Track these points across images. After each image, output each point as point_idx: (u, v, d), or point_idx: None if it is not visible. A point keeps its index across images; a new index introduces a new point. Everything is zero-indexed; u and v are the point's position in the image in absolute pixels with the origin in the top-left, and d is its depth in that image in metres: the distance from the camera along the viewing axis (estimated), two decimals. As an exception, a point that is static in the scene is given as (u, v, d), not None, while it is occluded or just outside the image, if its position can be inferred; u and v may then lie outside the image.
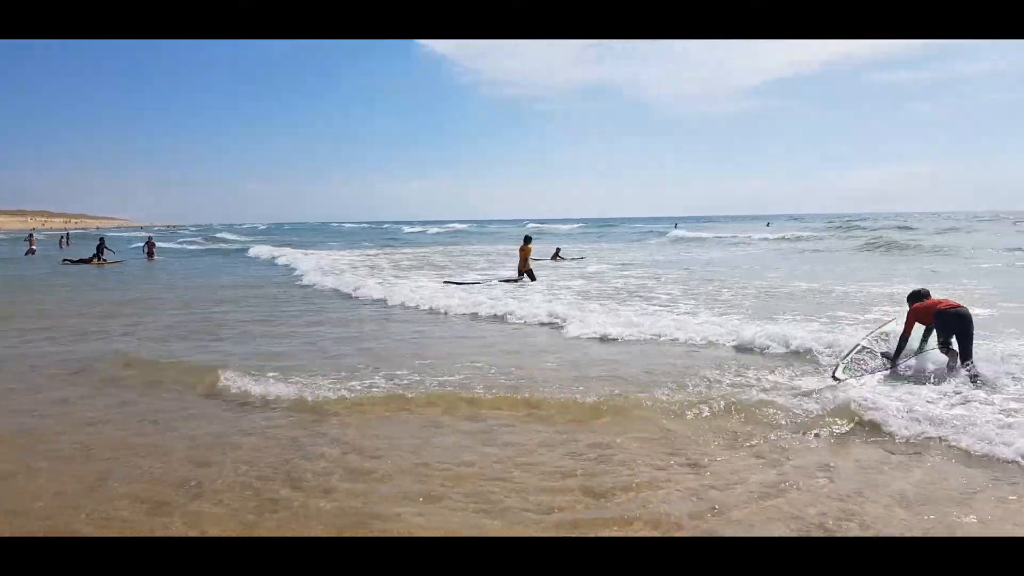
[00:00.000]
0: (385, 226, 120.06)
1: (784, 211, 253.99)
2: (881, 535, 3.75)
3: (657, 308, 12.20)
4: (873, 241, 33.36)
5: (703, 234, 49.47)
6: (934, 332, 7.05)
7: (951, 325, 6.88)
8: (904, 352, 7.11)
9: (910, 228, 48.09)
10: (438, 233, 73.75)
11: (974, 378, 6.39)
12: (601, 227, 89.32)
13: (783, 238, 41.73)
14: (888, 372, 6.99)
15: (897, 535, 3.74)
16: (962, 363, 6.63)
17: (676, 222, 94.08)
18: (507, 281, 17.49)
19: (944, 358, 6.93)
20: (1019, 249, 25.34)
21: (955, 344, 6.84)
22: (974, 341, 6.78)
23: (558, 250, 26.74)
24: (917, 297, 7.38)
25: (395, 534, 3.84)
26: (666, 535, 3.83)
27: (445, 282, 17.82)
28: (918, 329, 7.17)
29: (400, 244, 48.13)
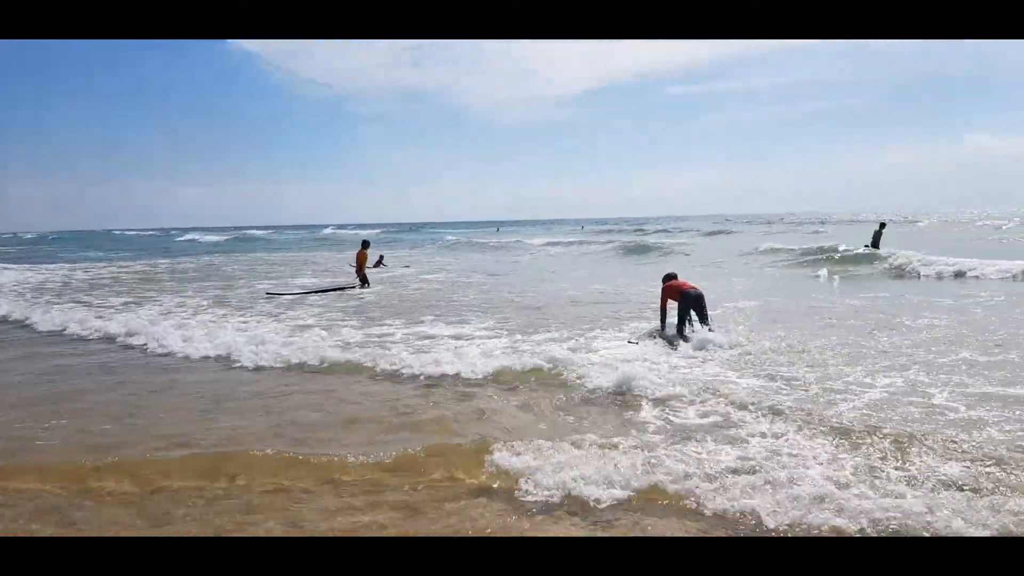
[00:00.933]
0: (172, 232, 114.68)
1: (600, 215, 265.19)
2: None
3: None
4: (626, 244, 36.53)
5: (495, 239, 50.28)
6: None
7: (690, 301, 9.36)
8: (668, 322, 9.57)
9: (683, 231, 54.08)
10: (221, 241, 65.43)
11: (709, 332, 8.95)
12: (399, 232, 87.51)
13: (569, 242, 43.11)
14: (663, 338, 9.22)
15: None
16: (703, 324, 9.19)
17: (498, 226, 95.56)
18: (341, 289, 17.32)
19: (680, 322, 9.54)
20: (751, 252, 27.57)
21: (694, 315, 9.38)
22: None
23: (381, 257, 26.25)
24: (669, 278, 9.94)
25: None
26: (666, 535, 3.89)
27: (268, 294, 16.68)
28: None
29: (159, 255, 41.52)
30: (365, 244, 18.48)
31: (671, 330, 9.41)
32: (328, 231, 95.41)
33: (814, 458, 4.77)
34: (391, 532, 4.07)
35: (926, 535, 3.75)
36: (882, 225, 24.60)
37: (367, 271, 18.39)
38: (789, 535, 3.84)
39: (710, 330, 9.01)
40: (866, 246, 23.83)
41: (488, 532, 4.01)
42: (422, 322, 11.48)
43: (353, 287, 17.67)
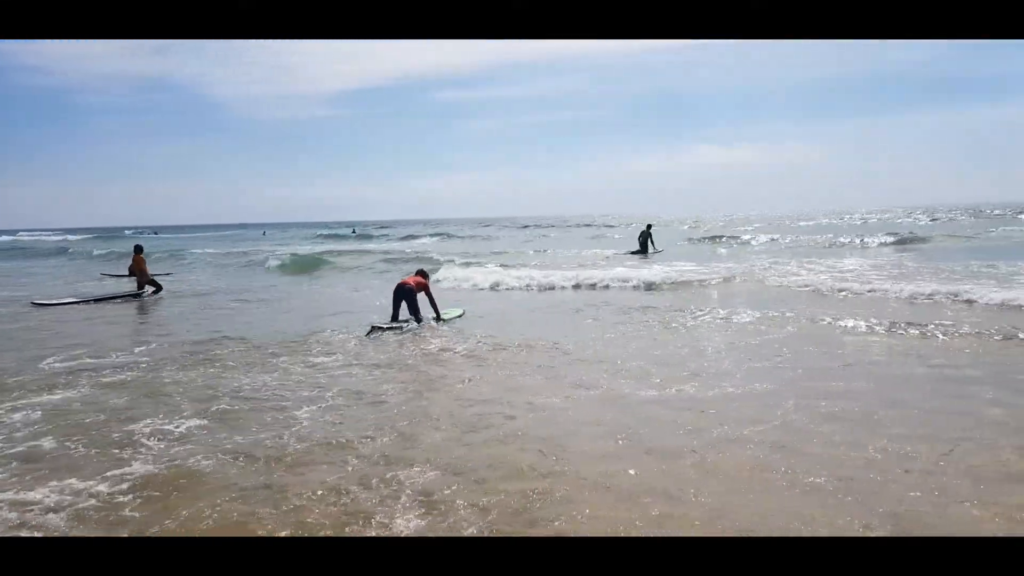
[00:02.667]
0: None
1: (372, 217, 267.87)
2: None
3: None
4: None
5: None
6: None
7: (400, 293, 11.44)
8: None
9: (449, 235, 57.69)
10: None
11: (419, 321, 11.30)
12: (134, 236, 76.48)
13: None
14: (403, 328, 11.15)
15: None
16: (412, 315, 11.36)
17: (264, 230, 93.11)
18: (134, 295, 17.26)
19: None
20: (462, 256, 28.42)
21: (404, 305, 11.43)
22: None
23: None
24: (424, 274, 12.13)
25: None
26: (666, 535, 3.89)
27: (33, 303, 15.52)
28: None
29: None
30: (139, 249, 18.29)
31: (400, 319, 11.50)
32: (22, 234, 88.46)
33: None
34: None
35: (926, 535, 3.79)
36: (649, 227, 27.24)
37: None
38: (790, 535, 3.87)
39: (417, 321, 11.29)
40: (634, 252, 26.40)
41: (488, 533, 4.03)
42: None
43: (140, 294, 17.38)
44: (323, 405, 6.97)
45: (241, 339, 10.79)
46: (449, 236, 56.12)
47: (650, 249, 26.13)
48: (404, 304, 11.44)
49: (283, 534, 4.15)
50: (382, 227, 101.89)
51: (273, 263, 27.92)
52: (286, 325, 12.25)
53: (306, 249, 38.50)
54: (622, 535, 3.98)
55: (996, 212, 63.35)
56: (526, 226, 77.02)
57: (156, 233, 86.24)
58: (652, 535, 3.92)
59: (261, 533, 4.18)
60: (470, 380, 7.99)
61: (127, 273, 21.88)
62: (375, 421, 6.42)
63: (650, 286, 16.73)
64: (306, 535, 4.11)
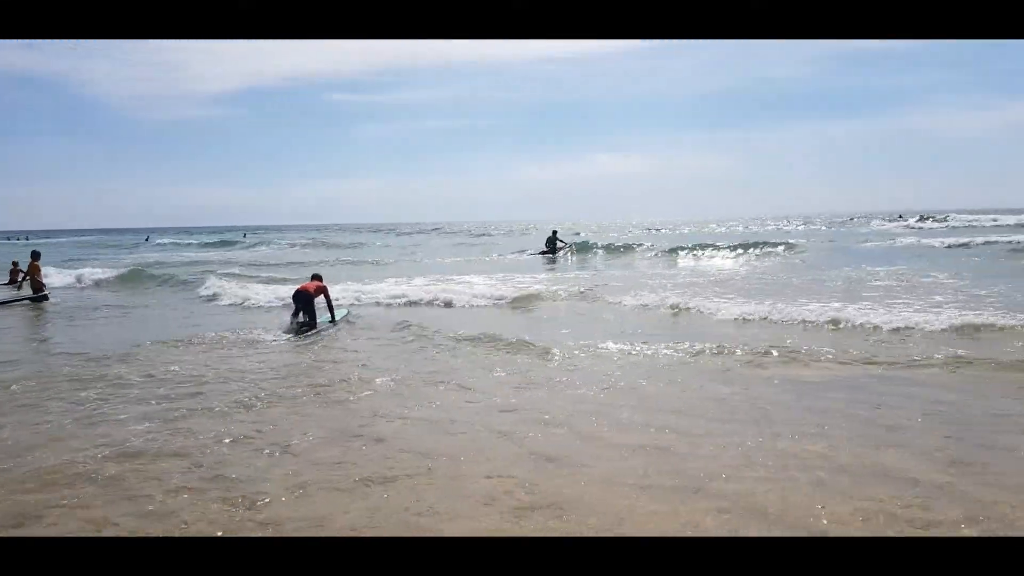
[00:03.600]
0: None
1: (261, 221, 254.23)
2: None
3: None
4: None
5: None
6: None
7: (299, 298, 11.62)
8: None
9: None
10: None
11: (313, 327, 11.38)
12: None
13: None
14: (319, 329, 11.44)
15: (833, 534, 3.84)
16: (305, 316, 11.49)
17: (148, 235, 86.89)
18: (35, 299, 16.89)
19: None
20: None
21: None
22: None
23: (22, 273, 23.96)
24: (319, 278, 12.35)
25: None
26: (667, 535, 3.90)
27: None
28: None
29: None
30: (36, 255, 18.08)
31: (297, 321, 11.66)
32: None
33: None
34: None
35: (926, 535, 3.80)
36: (554, 232, 30.41)
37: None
38: (789, 536, 3.89)
39: (312, 327, 11.39)
40: (543, 252, 29.35)
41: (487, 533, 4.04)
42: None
43: (45, 298, 17.12)
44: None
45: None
46: (324, 244, 53.00)
47: (559, 249, 28.70)
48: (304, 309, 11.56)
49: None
50: (270, 231, 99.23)
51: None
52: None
53: (176, 257, 37.64)
54: (622, 535, 3.97)
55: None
56: (406, 233, 74.83)
57: (27, 239, 79.49)
58: (652, 535, 3.94)
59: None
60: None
61: (7, 281, 20.85)
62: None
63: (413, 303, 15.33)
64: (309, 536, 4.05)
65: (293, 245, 53.23)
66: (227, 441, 5.70)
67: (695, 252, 28.50)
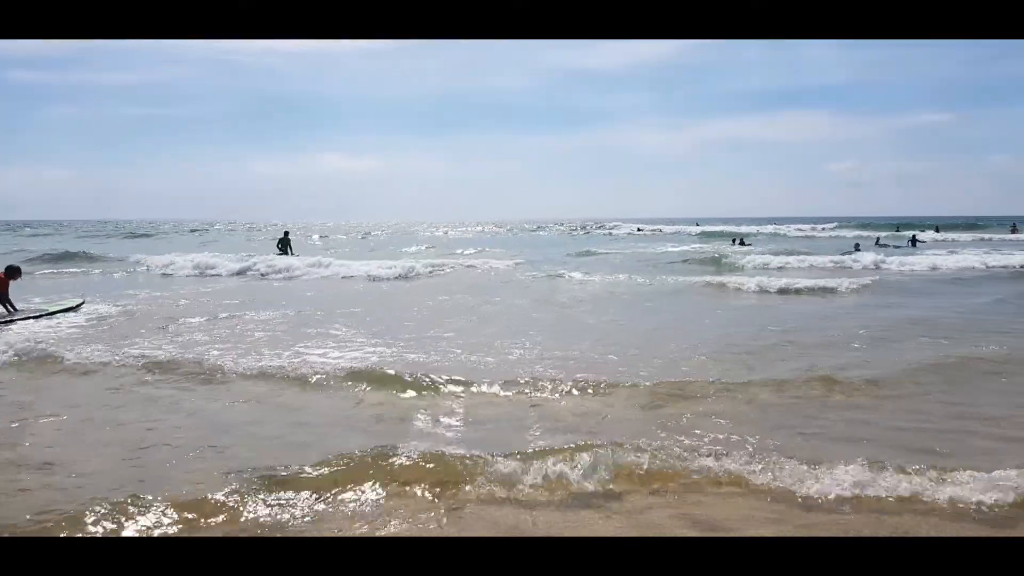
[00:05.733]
0: None
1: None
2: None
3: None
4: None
5: None
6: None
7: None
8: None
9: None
10: None
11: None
12: None
13: None
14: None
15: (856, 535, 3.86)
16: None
17: None
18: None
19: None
20: None
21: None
22: None
23: None
24: (11, 273, 12.12)
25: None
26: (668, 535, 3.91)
27: None
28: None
29: None
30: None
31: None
32: None
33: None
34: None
35: (925, 535, 3.81)
36: (286, 233, 30.20)
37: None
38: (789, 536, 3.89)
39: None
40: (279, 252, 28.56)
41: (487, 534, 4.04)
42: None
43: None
44: None
45: None
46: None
47: (290, 253, 28.34)
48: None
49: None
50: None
51: None
52: None
53: None
54: (621, 535, 3.97)
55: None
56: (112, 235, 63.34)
57: None
58: (652, 535, 3.94)
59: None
60: None
61: None
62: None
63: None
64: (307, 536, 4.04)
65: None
66: None
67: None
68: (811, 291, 16.05)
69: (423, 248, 37.31)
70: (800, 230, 61.49)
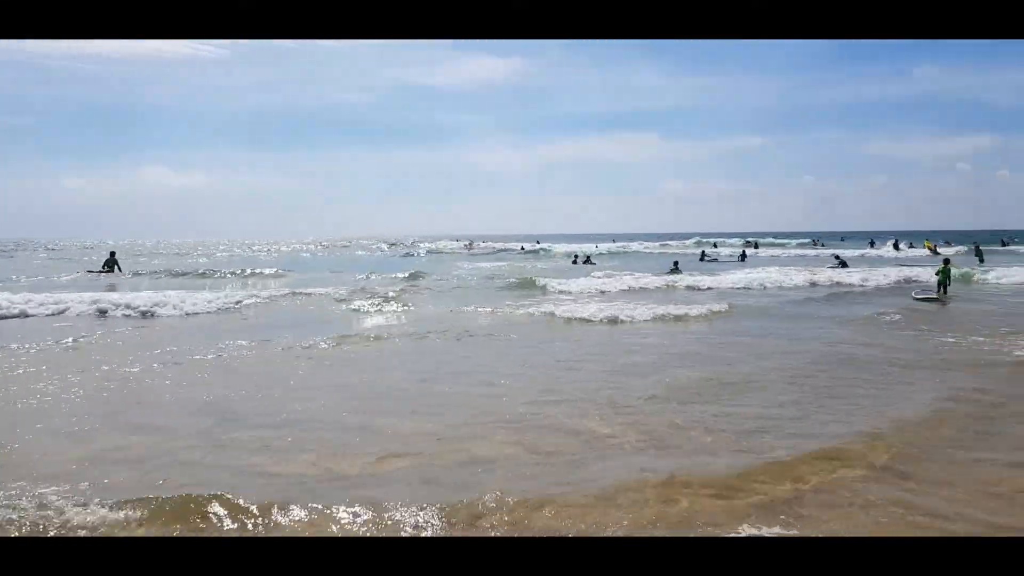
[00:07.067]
0: None
1: None
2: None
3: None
4: None
5: None
6: None
7: None
8: None
9: None
10: None
11: None
12: None
13: None
14: None
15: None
16: None
17: None
18: None
19: None
20: None
21: None
22: None
23: None
24: None
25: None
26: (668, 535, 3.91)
27: None
28: None
29: None
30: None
31: None
32: None
33: None
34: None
35: (925, 535, 3.83)
36: (112, 253, 31.07)
37: None
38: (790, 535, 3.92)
39: None
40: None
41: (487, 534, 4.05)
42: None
43: None
44: None
45: None
46: None
47: (116, 271, 29.10)
48: None
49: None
50: None
51: None
52: None
53: None
54: (622, 536, 4.00)
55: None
56: None
57: None
58: (652, 535, 3.96)
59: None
60: None
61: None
62: None
63: None
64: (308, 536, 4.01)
65: None
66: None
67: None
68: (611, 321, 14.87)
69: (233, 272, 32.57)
70: (647, 247, 65.33)
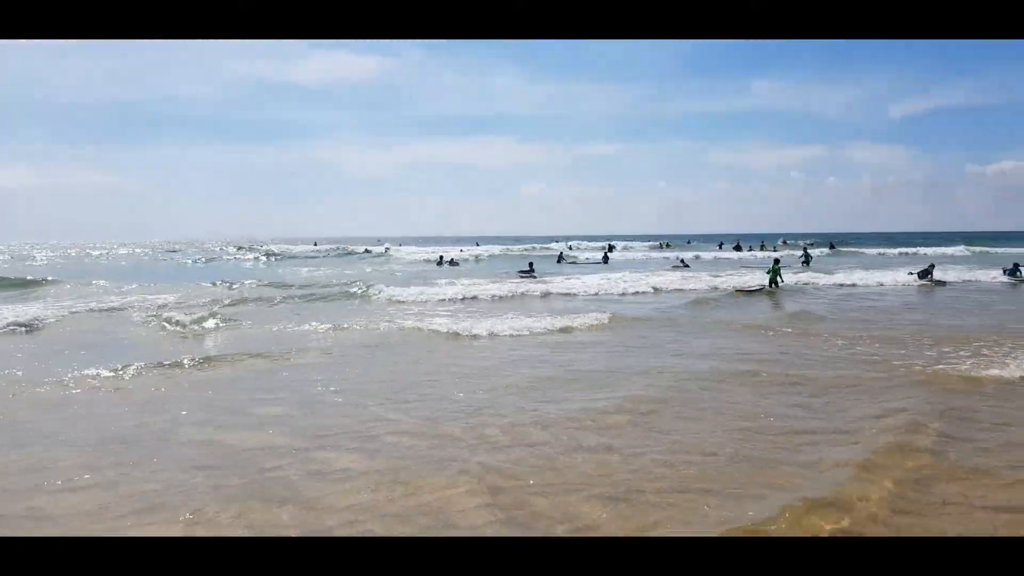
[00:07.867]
0: None
1: None
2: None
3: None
4: None
5: None
6: None
7: None
8: None
9: None
10: None
11: None
12: None
13: None
14: None
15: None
16: None
17: None
18: None
19: None
20: None
21: None
22: None
23: None
24: None
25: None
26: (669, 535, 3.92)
27: None
28: None
29: None
30: None
31: None
32: None
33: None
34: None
35: (925, 535, 3.83)
36: None
37: None
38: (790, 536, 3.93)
39: None
40: None
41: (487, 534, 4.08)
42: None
43: None
44: None
45: None
46: None
47: None
48: None
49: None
50: None
51: None
52: None
53: None
54: (622, 536, 4.02)
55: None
56: None
57: None
58: (651, 535, 3.97)
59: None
60: None
61: None
62: None
63: None
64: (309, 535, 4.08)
65: None
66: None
67: None
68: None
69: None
70: (509, 250, 65.39)
